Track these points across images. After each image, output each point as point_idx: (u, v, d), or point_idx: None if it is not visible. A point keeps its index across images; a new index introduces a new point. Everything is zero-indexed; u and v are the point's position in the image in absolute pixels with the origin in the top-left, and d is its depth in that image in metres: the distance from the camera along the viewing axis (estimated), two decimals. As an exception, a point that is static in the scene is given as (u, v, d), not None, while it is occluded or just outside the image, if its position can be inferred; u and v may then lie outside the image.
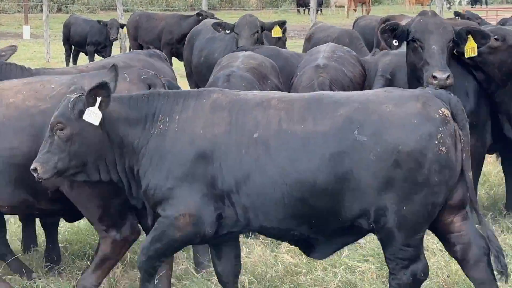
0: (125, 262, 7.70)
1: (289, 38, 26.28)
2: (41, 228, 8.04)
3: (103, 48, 22.24)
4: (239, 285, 6.86)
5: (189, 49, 14.60)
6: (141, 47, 22.23)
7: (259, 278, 7.22)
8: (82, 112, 5.82)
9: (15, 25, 42.23)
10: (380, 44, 11.09)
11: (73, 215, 7.02)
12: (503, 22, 11.96)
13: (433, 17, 7.80)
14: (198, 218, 5.76)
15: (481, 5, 56.54)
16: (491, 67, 7.95)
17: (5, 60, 7.99)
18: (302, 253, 7.53)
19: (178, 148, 5.77)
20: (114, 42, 23.04)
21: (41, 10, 33.14)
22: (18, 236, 8.39)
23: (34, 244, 8.20)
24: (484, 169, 9.11)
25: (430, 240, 7.76)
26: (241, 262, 7.37)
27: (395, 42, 7.76)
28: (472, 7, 51.13)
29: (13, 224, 8.73)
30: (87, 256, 7.88)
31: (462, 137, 5.61)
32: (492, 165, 10.56)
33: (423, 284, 6.73)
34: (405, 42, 7.91)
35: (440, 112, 5.54)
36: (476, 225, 5.89)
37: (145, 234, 6.92)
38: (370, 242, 7.92)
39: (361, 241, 8.04)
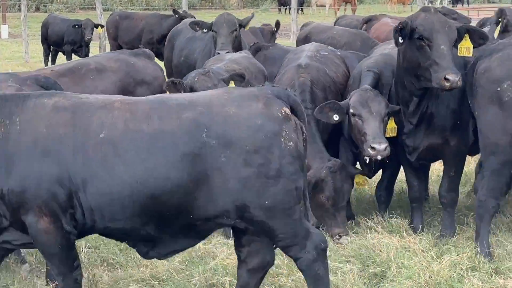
0: (105, 263, 7.68)
1: (270, 37, 26.22)
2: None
3: (79, 48, 22.15)
4: (219, 286, 6.88)
5: (169, 48, 14.60)
6: (120, 47, 22.18)
7: (240, 280, 7.21)
8: None
9: (-7, 24, 42.03)
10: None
11: None
12: (484, 21, 11.98)
13: (436, 14, 7.76)
14: (55, 218, 5.70)
15: (462, 5, 56.82)
16: None
17: None
18: (284, 254, 7.59)
19: (23, 149, 5.69)
20: (93, 42, 22.94)
21: (19, 9, 33.02)
22: None
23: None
24: (465, 169, 9.15)
25: (412, 241, 7.81)
26: (224, 263, 7.44)
27: (400, 40, 7.75)
28: (453, 6, 51.33)
29: None
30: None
31: (303, 130, 5.95)
32: (473, 165, 10.60)
33: (405, 284, 6.80)
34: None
35: (282, 111, 5.82)
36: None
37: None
38: (352, 243, 7.93)
39: (343, 241, 8.09)
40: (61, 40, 22.50)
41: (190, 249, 7.80)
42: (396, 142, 8.32)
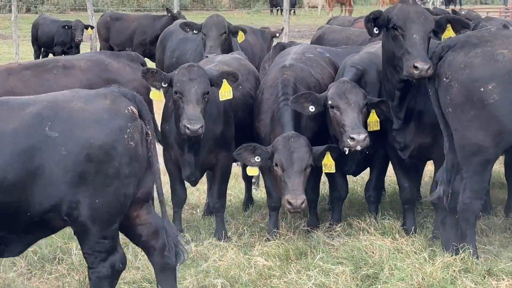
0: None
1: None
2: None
3: (69, 49, 22.11)
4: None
5: (161, 50, 14.60)
6: (111, 49, 22.14)
7: (232, 282, 7.21)
8: None
9: (-16, 25, 41.92)
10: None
11: None
12: (476, 24, 11.99)
13: (414, 5, 7.80)
14: None
15: (455, 5, 56.85)
16: None
17: None
18: (276, 256, 7.61)
19: None
20: (84, 43, 22.91)
21: (10, 10, 32.88)
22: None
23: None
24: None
25: (404, 242, 7.82)
26: (216, 265, 7.44)
27: (375, 30, 7.76)
28: (446, 8, 51.34)
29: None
30: (57, 260, 7.83)
31: (148, 133, 6.07)
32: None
33: (398, 286, 6.80)
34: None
35: (129, 109, 5.96)
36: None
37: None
38: (345, 245, 7.93)
39: (336, 243, 8.09)
40: (51, 41, 22.49)
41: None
42: (385, 140, 8.32)
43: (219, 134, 8.38)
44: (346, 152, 7.89)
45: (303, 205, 7.69)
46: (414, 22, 7.62)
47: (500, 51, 7.27)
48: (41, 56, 23.33)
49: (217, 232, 8.51)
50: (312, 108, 8.02)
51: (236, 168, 10.54)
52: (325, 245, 8.05)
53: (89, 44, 25.19)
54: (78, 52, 22.22)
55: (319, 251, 7.77)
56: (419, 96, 7.97)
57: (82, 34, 22.09)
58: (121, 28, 22.06)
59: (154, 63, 16.06)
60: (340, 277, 7.19)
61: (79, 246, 7.82)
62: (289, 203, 7.68)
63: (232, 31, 12.22)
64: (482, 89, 7.19)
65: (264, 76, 9.15)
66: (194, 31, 12.20)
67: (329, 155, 8.09)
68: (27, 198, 5.69)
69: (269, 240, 8.23)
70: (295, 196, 7.66)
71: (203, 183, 9.73)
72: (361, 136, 7.71)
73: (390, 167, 9.02)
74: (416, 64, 7.39)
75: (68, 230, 8.45)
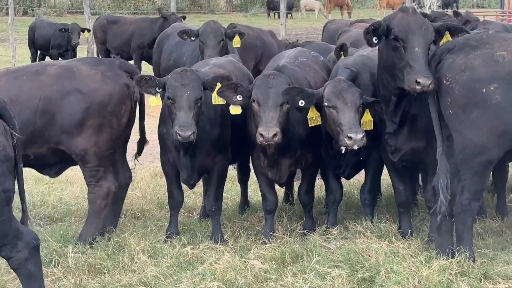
0: (92, 268, 7.67)
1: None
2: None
3: (66, 52, 22.09)
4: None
5: (158, 52, 14.64)
6: (108, 52, 22.16)
7: (228, 285, 7.21)
8: None
9: (-20, 28, 41.90)
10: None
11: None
12: (474, 26, 12.01)
13: (414, 15, 7.75)
14: None
15: (452, 9, 56.92)
16: None
17: None
18: (272, 260, 7.61)
19: None
20: (81, 46, 22.90)
21: (7, 13, 32.83)
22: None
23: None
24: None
25: (401, 246, 7.81)
26: (213, 268, 7.44)
27: (375, 40, 7.76)
28: (443, 11, 51.41)
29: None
30: (53, 263, 7.83)
31: (13, 135, 6.26)
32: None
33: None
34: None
35: None
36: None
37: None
38: (341, 248, 7.93)
39: (332, 246, 8.09)
40: (48, 44, 22.46)
41: (177, 254, 7.89)
42: (379, 143, 8.32)
43: (216, 137, 8.38)
44: (343, 151, 7.89)
45: (276, 138, 7.68)
46: (415, 34, 7.59)
47: (499, 53, 7.30)
48: (37, 59, 23.31)
49: (213, 235, 8.50)
50: (302, 103, 8.01)
51: (233, 171, 10.56)
52: (322, 248, 8.03)
53: (86, 47, 25.17)
54: (75, 55, 22.22)
55: (315, 254, 7.76)
56: (414, 101, 7.95)
57: (79, 37, 22.08)
58: (118, 31, 22.07)
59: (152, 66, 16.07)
60: (336, 280, 7.18)
61: (75, 249, 7.96)
62: (261, 135, 7.69)
63: (229, 35, 12.25)
64: (484, 90, 7.23)
65: None
66: (192, 38, 12.23)
67: (314, 108, 8.08)
68: None
69: (265, 243, 8.23)
70: (267, 129, 7.66)
71: (200, 185, 9.72)
72: (359, 135, 7.70)
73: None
74: (418, 80, 7.37)
75: (64, 233, 8.53)
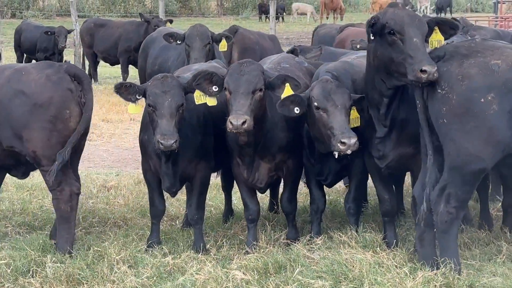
0: (70, 278, 7.59)
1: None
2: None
3: (52, 55, 22.00)
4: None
5: (143, 57, 14.60)
6: (95, 56, 22.11)
7: (209, 296, 7.16)
8: None
9: (-33, 30, 41.76)
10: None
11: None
12: (465, 31, 12.01)
13: (405, 9, 7.73)
14: None
15: (445, 14, 57.05)
16: None
17: None
18: (255, 270, 7.55)
19: None
20: (68, 50, 22.83)
21: (-6, 16, 32.81)
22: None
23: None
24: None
25: (385, 256, 7.75)
26: (194, 278, 7.37)
27: (372, 37, 7.70)
28: (436, 16, 51.52)
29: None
30: (31, 273, 7.75)
31: None
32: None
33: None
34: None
35: None
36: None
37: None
38: (325, 258, 7.85)
39: (316, 256, 8.02)
40: (34, 48, 22.42)
41: (158, 264, 7.82)
42: (363, 149, 8.26)
43: (199, 144, 8.31)
44: (336, 156, 7.84)
45: (245, 125, 7.59)
46: (411, 25, 7.54)
47: (494, 62, 7.28)
48: (24, 63, 23.23)
49: (195, 245, 8.43)
50: (297, 110, 7.95)
51: (218, 178, 10.49)
52: (305, 259, 7.94)
53: (73, 51, 25.08)
54: (62, 59, 22.16)
55: (298, 265, 7.67)
56: (404, 105, 7.91)
57: (66, 41, 22.02)
58: (106, 34, 22.03)
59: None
60: (319, 291, 7.13)
61: (54, 259, 7.88)
62: (230, 123, 7.62)
63: (216, 39, 12.20)
64: (482, 100, 7.19)
65: None
66: (178, 42, 12.19)
67: (289, 87, 7.98)
68: None
69: (248, 253, 8.15)
70: (236, 116, 7.59)
71: (184, 193, 9.65)
72: (352, 140, 7.64)
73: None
74: (424, 68, 7.29)
75: (43, 242, 8.45)
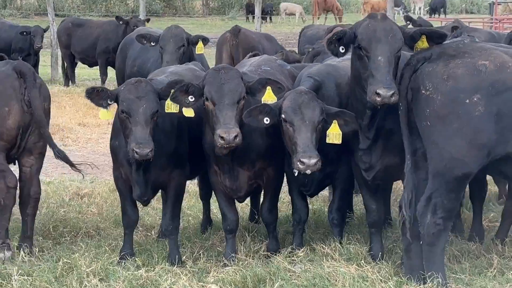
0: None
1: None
2: None
3: (28, 56, 21.83)
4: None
5: (121, 58, 14.51)
6: (72, 56, 21.99)
7: (182, 311, 7.05)
8: None
9: None
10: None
11: None
12: (458, 33, 12.02)
13: (382, 21, 7.54)
14: None
15: (439, 15, 57.22)
16: None
17: None
18: (233, 284, 7.44)
19: None
20: (45, 50, 22.72)
21: (-31, 15, 32.65)
22: None
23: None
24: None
25: (370, 270, 7.66)
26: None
27: (341, 49, 7.60)
28: (430, 17, 51.68)
29: None
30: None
31: None
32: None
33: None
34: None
35: None
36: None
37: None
38: (306, 272, 7.75)
39: (297, 269, 7.91)
40: (9, 48, 22.21)
41: (131, 277, 7.69)
42: (349, 158, 8.16)
43: (172, 151, 8.18)
44: (296, 174, 7.75)
45: (237, 139, 7.53)
46: (380, 42, 7.41)
47: (481, 63, 7.21)
48: (-2, 63, 23.09)
49: (170, 256, 8.30)
50: (267, 120, 7.83)
51: (196, 187, 10.38)
52: (286, 272, 7.82)
53: (50, 51, 24.94)
54: (38, 60, 22.04)
55: (278, 278, 7.57)
56: (389, 115, 7.78)
57: (42, 41, 21.87)
58: (84, 34, 21.93)
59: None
60: (300, 307, 7.04)
61: (20, 271, 7.75)
62: (221, 137, 7.51)
63: (192, 41, 12.10)
64: (467, 101, 7.12)
65: None
66: (152, 43, 12.12)
67: (270, 91, 7.90)
68: None
69: (226, 266, 8.04)
70: (227, 130, 7.50)
71: (160, 202, 9.53)
72: (312, 160, 7.50)
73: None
74: (378, 91, 7.20)
75: (8, 255, 8.32)
